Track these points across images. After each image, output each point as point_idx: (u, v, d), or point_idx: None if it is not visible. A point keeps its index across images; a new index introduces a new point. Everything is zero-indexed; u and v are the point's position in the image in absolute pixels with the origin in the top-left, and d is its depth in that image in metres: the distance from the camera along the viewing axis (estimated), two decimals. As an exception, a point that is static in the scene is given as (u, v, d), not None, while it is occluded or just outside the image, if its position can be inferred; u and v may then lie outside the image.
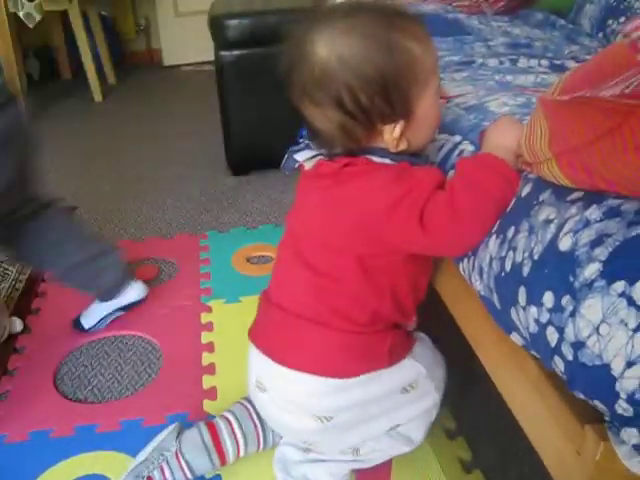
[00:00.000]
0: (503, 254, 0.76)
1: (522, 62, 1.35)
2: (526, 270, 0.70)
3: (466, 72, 1.27)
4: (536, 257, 0.68)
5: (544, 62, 1.35)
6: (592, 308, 0.59)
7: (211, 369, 1.34)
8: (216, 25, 2.08)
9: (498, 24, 1.63)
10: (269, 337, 0.95)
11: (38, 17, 2.80)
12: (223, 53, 2.08)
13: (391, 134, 0.82)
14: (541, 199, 0.72)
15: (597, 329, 0.58)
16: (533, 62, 1.35)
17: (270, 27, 2.08)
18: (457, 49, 1.46)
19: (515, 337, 0.74)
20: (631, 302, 0.55)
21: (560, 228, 0.66)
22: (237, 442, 1.07)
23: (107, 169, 2.46)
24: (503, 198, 0.77)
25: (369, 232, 0.82)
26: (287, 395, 0.93)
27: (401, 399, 0.95)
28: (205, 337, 1.45)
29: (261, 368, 0.95)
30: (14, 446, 1.19)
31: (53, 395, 1.30)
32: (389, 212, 0.79)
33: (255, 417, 1.08)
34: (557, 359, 0.65)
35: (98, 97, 3.25)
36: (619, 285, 0.57)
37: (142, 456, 1.06)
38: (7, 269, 1.75)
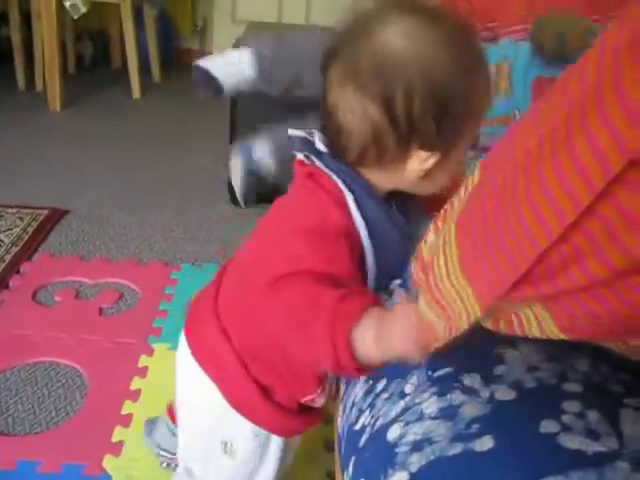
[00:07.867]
0: (363, 407, 0.70)
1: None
2: (362, 441, 0.64)
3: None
4: (373, 432, 0.63)
5: None
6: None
7: (127, 420, 1.32)
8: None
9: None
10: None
11: (83, 9, 2.83)
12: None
13: (420, 163, 0.72)
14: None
15: None
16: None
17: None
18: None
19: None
20: None
21: (405, 410, 0.61)
22: None
23: (112, 175, 2.46)
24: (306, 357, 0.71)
25: None
26: None
27: (217, 449, 0.88)
28: (135, 383, 1.43)
29: None
30: None
31: (-34, 417, 1.31)
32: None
33: None
34: None
35: (136, 94, 3.28)
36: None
37: None
38: (2, 240, 1.82)
